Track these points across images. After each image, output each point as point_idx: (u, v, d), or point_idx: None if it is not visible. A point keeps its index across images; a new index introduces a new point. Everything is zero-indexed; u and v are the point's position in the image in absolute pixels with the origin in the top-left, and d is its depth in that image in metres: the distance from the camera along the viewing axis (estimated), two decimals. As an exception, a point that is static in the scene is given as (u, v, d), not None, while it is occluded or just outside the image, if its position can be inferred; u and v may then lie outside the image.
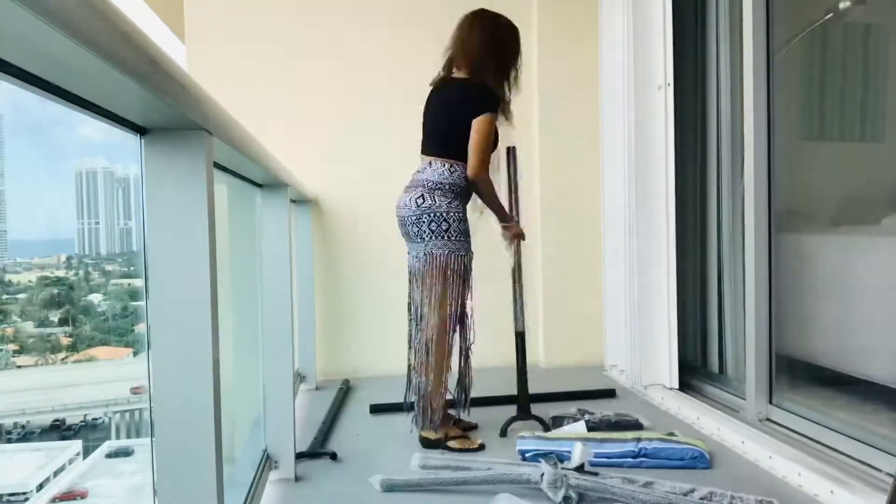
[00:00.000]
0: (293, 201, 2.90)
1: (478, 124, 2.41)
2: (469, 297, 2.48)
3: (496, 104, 2.46)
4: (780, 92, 2.52)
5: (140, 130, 1.00)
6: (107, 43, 0.65)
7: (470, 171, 2.40)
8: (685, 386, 3.02)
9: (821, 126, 2.74)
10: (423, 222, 2.40)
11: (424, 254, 2.41)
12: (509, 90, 2.55)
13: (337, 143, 3.61)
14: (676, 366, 3.03)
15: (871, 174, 2.45)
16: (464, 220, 2.45)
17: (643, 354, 3.11)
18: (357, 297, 3.63)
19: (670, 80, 3.03)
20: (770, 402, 2.47)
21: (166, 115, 0.93)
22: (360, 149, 3.62)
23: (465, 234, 2.44)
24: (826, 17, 2.55)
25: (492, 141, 2.46)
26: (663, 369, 3.06)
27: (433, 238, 2.39)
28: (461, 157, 2.42)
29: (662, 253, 3.08)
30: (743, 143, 2.56)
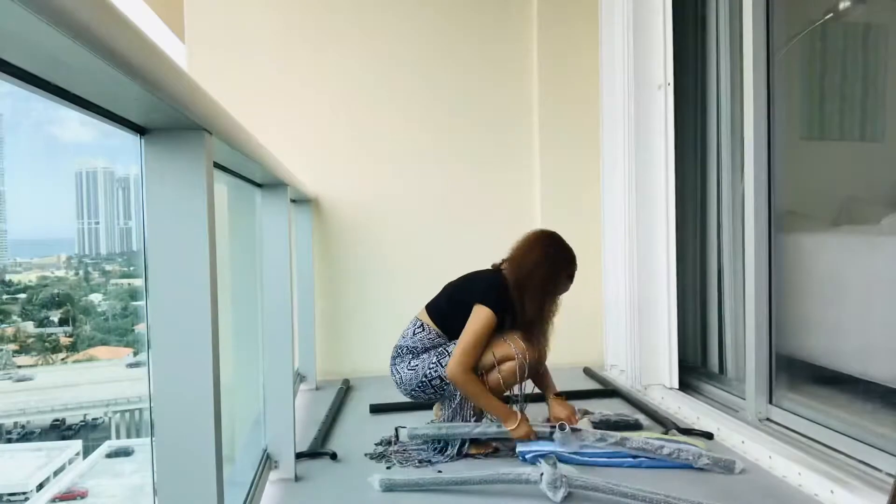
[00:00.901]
0: (293, 201, 2.90)
1: (479, 311, 2.29)
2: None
3: (505, 307, 2.32)
4: (781, 91, 2.52)
5: (140, 130, 1.00)
6: (106, 42, 0.65)
7: (449, 367, 2.27)
8: (685, 386, 3.02)
9: (821, 126, 2.74)
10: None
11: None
12: (544, 325, 2.41)
13: (337, 142, 3.61)
14: (676, 366, 3.03)
15: (870, 174, 2.45)
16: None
17: (643, 354, 3.11)
18: (357, 297, 3.63)
19: (670, 79, 3.03)
20: (770, 401, 2.47)
21: (166, 114, 0.93)
22: (360, 148, 3.62)
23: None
24: (826, 17, 2.55)
25: (485, 340, 2.29)
26: (663, 369, 3.06)
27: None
28: (439, 324, 2.41)
29: (662, 252, 3.08)
30: (743, 143, 2.56)
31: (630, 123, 3.14)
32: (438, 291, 2.53)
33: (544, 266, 2.35)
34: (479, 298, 2.32)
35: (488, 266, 2.48)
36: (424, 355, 2.39)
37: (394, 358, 2.47)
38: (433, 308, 2.47)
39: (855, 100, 2.55)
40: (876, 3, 2.49)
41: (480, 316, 2.29)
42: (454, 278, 2.52)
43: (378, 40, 3.64)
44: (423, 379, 2.36)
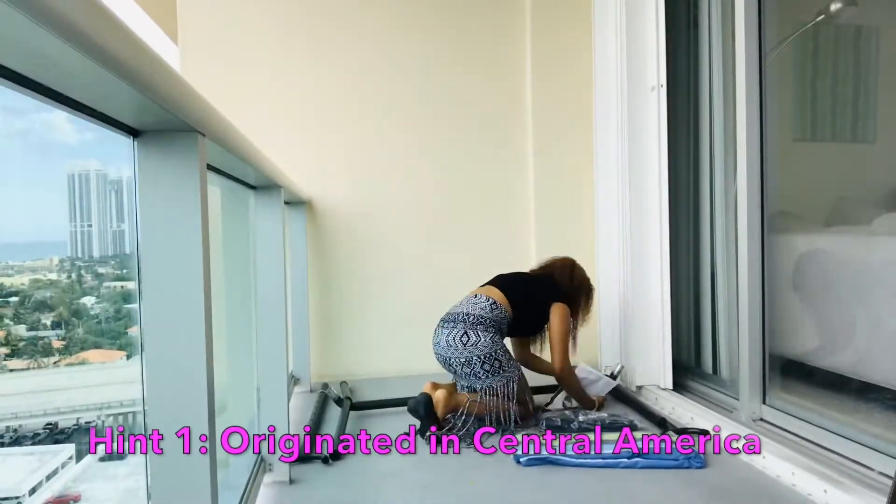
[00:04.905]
0: (287, 203, 2.89)
1: (560, 311, 2.67)
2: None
3: (574, 309, 2.78)
4: (773, 93, 2.53)
5: (133, 132, 1.00)
6: (99, 45, 0.65)
7: (556, 363, 2.65)
8: (679, 386, 3.02)
9: (812, 127, 2.76)
10: (475, 363, 2.50)
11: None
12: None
13: (331, 143, 3.61)
14: (670, 366, 3.04)
15: (861, 175, 2.46)
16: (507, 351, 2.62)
17: (637, 355, 3.12)
18: (351, 299, 3.62)
19: (663, 81, 3.04)
20: (763, 402, 2.48)
21: (159, 116, 0.93)
22: (354, 149, 3.62)
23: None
24: (818, 19, 2.57)
25: (570, 335, 2.72)
26: (657, 370, 3.06)
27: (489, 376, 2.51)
28: (513, 306, 2.64)
29: (656, 253, 3.09)
30: (735, 144, 2.57)
31: (623, 125, 3.15)
32: (495, 278, 2.78)
33: (584, 289, 2.87)
34: (558, 298, 2.70)
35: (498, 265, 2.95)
36: (493, 330, 2.55)
37: (460, 322, 2.56)
38: (512, 292, 2.66)
39: (846, 101, 2.56)
40: (867, 5, 2.50)
41: (565, 316, 2.68)
42: (507, 271, 2.84)
43: (372, 43, 3.64)
44: (493, 352, 2.50)
